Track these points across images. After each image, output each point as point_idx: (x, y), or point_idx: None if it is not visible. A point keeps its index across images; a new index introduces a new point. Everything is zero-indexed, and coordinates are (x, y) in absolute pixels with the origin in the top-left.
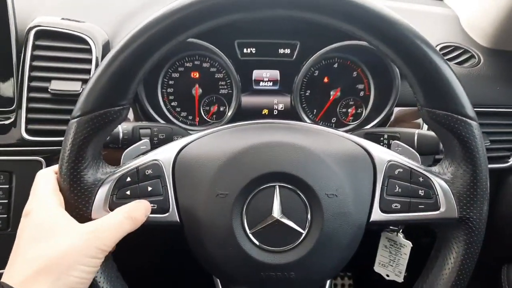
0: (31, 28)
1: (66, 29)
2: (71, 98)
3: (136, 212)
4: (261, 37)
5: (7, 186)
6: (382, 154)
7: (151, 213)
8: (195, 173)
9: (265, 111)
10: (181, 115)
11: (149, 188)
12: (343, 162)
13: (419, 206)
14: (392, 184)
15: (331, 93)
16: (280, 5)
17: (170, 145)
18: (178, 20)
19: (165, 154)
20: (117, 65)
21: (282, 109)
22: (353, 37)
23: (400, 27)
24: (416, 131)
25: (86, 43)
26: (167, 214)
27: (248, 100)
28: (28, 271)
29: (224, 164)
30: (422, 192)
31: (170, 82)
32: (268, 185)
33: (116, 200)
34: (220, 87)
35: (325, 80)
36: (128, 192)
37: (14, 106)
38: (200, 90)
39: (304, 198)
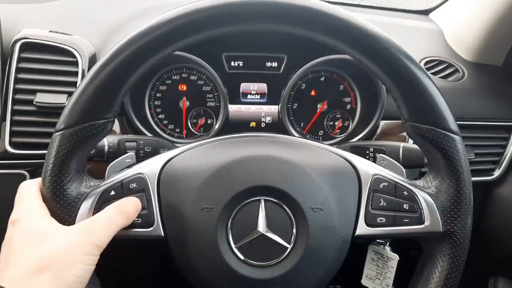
0: (16, 41)
1: (52, 42)
2: (57, 111)
3: (126, 207)
4: (248, 50)
5: None
6: (367, 168)
7: (136, 227)
8: (180, 186)
9: (253, 124)
10: (169, 127)
11: None
12: (329, 175)
13: (404, 220)
14: (377, 198)
15: (318, 106)
16: (263, 19)
17: (155, 158)
18: (164, 34)
19: (150, 168)
20: (102, 78)
21: (270, 121)
22: (339, 51)
23: (382, 41)
24: (401, 144)
25: (72, 55)
26: (151, 228)
27: (235, 112)
28: (25, 272)
29: (209, 177)
30: (406, 206)
31: (158, 94)
32: (253, 199)
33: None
34: (207, 99)
35: (312, 93)
36: None
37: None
38: (188, 103)
39: (289, 212)
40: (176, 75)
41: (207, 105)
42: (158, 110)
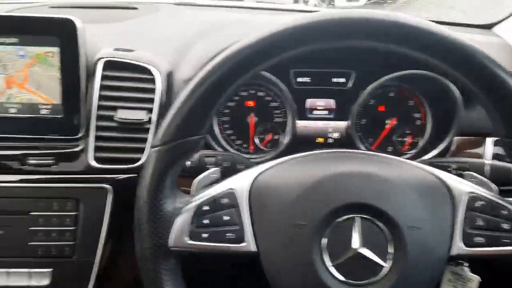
0: (99, 59)
1: (132, 60)
2: (136, 126)
3: None
4: (316, 66)
5: (74, 213)
6: (460, 186)
7: (228, 242)
8: (272, 202)
9: (320, 140)
10: (236, 143)
11: (226, 218)
12: (422, 193)
13: (503, 240)
14: (473, 216)
15: (387, 121)
16: (359, 35)
17: (245, 173)
18: (264, 49)
19: (240, 183)
20: (197, 96)
21: (338, 137)
22: (411, 66)
23: (479, 56)
24: (488, 161)
25: (150, 73)
26: (243, 243)
27: (302, 128)
28: None
29: (302, 193)
30: (506, 226)
31: (226, 110)
32: (347, 216)
33: (195, 229)
34: (274, 115)
35: (381, 108)
36: (206, 221)
37: (82, 134)
38: (255, 119)
39: (386, 231)
40: (244, 91)
41: (274, 120)
42: (226, 125)
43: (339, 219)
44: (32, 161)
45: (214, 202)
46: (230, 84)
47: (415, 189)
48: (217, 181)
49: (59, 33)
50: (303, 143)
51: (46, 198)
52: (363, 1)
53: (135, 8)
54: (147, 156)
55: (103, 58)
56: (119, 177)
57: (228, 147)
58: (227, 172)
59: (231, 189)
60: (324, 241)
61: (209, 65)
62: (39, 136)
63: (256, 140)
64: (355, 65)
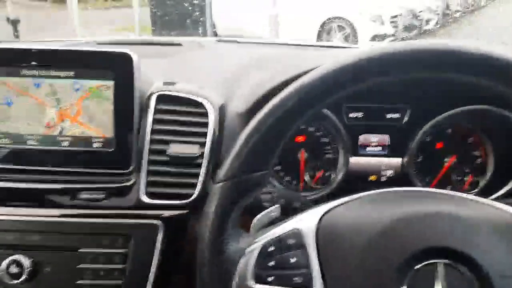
0: (152, 93)
1: (185, 94)
2: (189, 161)
3: None
4: (369, 101)
5: (124, 250)
6: None
7: (296, 287)
8: (342, 244)
9: (372, 177)
10: (285, 179)
11: (293, 260)
12: (510, 237)
13: None
14: None
15: (445, 159)
16: (449, 67)
17: (310, 212)
18: (333, 82)
19: (306, 222)
20: (266, 129)
21: (391, 175)
22: (468, 101)
23: None
24: None
25: (203, 106)
26: None
27: (354, 165)
28: None
29: (375, 236)
30: None
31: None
32: (428, 262)
33: (261, 272)
34: (325, 151)
35: (439, 145)
36: (271, 263)
37: (133, 168)
38: (306, 154)
39: (474, 280)
40: None
41: (325, 157)
42: (277, 167)
43: (419, 266)
44: (83, 196)
45: (280, 243)
46: (302, 115)
47: (503, 231)
48: (277, 219)
49: (115, 67)
50: (355, 180)
51: (96, 234)
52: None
53: (180, 45)
54: (211, 192)
55: (156, 92)
56: (171, 213)
57: (276, 184)
58: (283, 210)
59: (297, 229)
60: None
61: (279, 96)
62: (90, 170)
63: (306, 177)
64: (410, 101)
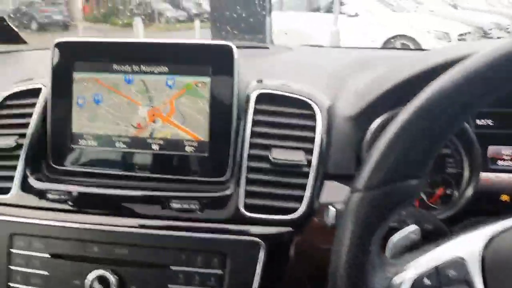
0: (252, 91)
1: (289, 93)
2: (294, 169)
3: None
4: (499, 106)
5: (220, 271)
6: None
7: None
8: None
9: (505, 198)
10: None
11: None
12: None
13: None
14: None
15: None
16: None
17: (472, 235)
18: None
19: (469, 248)
20: (421, 124)
21: None
22: None
23: None
24: None
25: (310, 108)
26: None
27: (482, 182)
28: None
29: None
30: None
31: None
32: None
33: None
34: (447, 165)
35: None
36: None
37: (231, 177)
38: None
39: None
40: None
41: (446, 171)
42: None
43: None
44: (175, 205)
45: (438, 275)
46: (478, 105)
47: None
48: (418, 243)
49: (213, 61)
50: (483, 200)
51: (189, 250)
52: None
53: (267, 48)
54: (347, 203)
55: (256, 90)
56: (273, 230)
57: None
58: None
59: (460, 258)
60: None
61: (445, 79)
62: (182, 177)
63: (423, 195)
64: None
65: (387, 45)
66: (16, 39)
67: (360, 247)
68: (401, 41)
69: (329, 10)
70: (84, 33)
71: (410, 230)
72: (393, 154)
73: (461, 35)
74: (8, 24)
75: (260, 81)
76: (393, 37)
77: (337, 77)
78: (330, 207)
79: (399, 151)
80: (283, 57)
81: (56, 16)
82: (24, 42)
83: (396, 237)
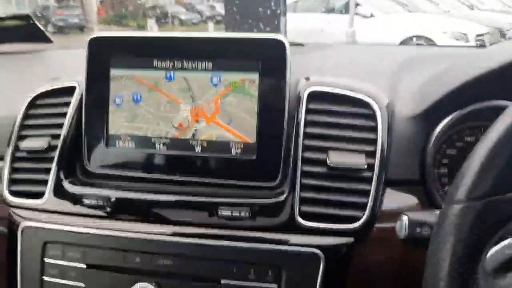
0: (303, 90)
1: (345, 91)
2: (353, 174)
3: None
4: None
5: (274, 286)
6: None
7: None
8: None
9: None
10: None
11: None
12: None
13: None
14: None
15: None
16: None
17: None
18: None
19: None
20: None
21: None
22: None
23: None
24: None
25: (368, 107)
26: None
27: None
28: None
29: None
30: None
31: (444, 160)
32: None
33: None
34: None
35: None
36: None
37: (282, 182)
38: None
39: None
40: (470, 136)
41: None
42: (444, 180)
43: None
44: (223, 212)
45: None
46: None
47: None
48: None
49: (263, 56)
50: None
51: (240, 262)
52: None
53: (302, 45)
54: (440, 217)
55: (308, 88)
56: (333, 241)
57: None
58: None
59: None
60: None
61: None
62: (228, 182)
63: None
64: None
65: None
66: (42, 38)
67: (465, 267)
68: (418, 41)
69: (343, 11)
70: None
71: (507, 244)
72: (500, 161)
73: (479, 35)
74: (35, 22)
75: (307, 78)
76: (410, 38)
77: (385, 75)
78: (404, 216)
79: (507, 158)
80: (321, 55)
81: (72, 19)
82: (50, 41)
83: (492, 252)
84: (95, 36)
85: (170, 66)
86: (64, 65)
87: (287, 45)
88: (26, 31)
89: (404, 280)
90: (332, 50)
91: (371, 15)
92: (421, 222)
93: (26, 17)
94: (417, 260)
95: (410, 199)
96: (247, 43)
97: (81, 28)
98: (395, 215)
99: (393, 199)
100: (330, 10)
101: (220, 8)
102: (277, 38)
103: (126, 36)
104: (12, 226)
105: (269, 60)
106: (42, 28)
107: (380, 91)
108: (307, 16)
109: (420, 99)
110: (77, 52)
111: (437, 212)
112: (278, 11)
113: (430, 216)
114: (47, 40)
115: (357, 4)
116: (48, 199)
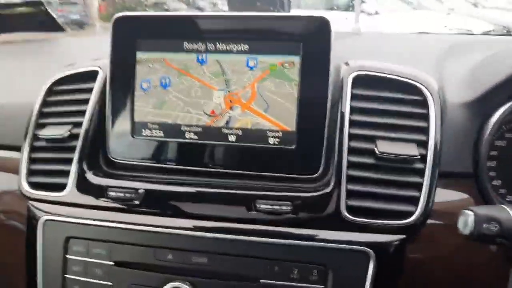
0: (348, 74)
1: (393, 75)
2: (404, 165)
3: None
4: None
5: (320, 286)
6: None
7: None
8: None
9: None
10: (506, 199)
11: None
12: None
13: None
14: None
15: None
16: None
17: None
18: None
19: None
20: None
21: None
22: None
23: None
24: None
25: (419, 92)
26: None
27: None
28: None
29: None
30: None
31: (493, 152)
32: None
33: None
34: None
35: None
36: None
37: (325, 174)
38: None
39: None
40: None
41: None
42: (492, 174)
43: None
44: (262, 207)
45: None
46: None
47: None
48: None
49: (305, 38)
50: None
51: (281, 260)
52: None
53: None
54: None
55: (352, 72)
56: (384, 238)
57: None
58: None
59: None
60: None
61: None
62: (265, 173)
63: None
64: None
65: None
66: (55, 26)
67: None
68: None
69: (347, 8)
70: (101, 31)
71: None
72: None
73: (484, 33)
74: (47, 10)
75: (347, 63)
76: (412, 34)
77: (427, 61)
78: (468, 212)
79: None
80: (352, 43)
81: (72, 15)
82: (63, 30)
83: None
84: (120, 15)
85: (202, 49)
86: (78, 53)
87: (332, 25)
88: (38, 18)
89: (459, 280)
90: (362, 39)
91: (376, 13)
92: (489, 217)
93: (39, 4)
94: (472, 259)
95: (460, 193)
96: (288, 23)
97: (80, 25)
98: (447, 210)
99: (443, 193)
100: (334, 8)
101: (222, 5)
102: (322, 17)
103: (154, 15)
104: (31, 220)
105: (312, 42)
106: (54, 15)
107: (431, 77)
108: (311, 12)
109: (474, 84)
110: (90, 40)
111: (506, 207)
112: (283, 9)
113: (498, 212)
114: (60, 29)
115: (362, 1)
116: (71, 192)
